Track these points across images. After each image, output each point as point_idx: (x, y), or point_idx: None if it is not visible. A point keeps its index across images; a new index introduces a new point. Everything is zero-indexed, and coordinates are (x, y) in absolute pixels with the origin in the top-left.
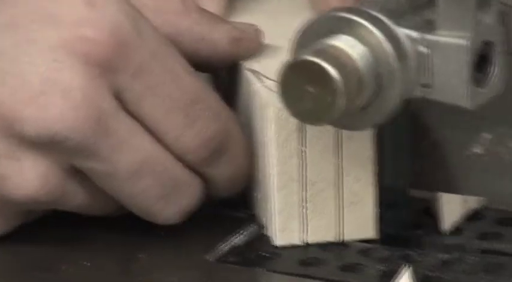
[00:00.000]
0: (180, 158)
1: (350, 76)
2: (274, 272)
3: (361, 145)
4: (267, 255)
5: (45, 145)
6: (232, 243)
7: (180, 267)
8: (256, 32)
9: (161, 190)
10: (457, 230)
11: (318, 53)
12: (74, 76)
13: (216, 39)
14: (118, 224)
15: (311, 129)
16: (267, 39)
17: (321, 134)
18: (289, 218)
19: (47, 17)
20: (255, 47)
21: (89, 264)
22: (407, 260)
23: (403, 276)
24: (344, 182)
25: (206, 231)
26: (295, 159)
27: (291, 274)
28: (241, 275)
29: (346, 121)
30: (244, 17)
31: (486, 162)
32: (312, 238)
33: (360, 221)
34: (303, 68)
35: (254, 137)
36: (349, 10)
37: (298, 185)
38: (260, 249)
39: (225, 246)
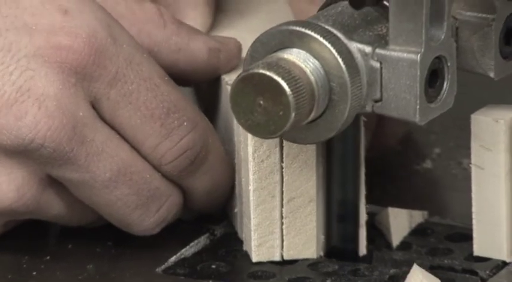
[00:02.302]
0: (158, 168)
1: (301, 90)
2: None
3: None
4: (214, 267)
5: (20, 154)
6: (182, 256)
7: (126, 278)
8: (235, 44)
9: (138, 199)
10: (406, 245)
11: (269, 66)
12: (47, 84)
13: (194, 49)
14: (68, 234)
15: (290, 145)
16: None
17: (300, 151)
18: (267, 234)
19: (22, 25)
20: (234, 58)
21: (34, 273)
22: (356, 275)
23: None
24: (323, 199)
25: (158, 242)
26: (273, 175)
27: None
28: None
29: (296, 134)
30: (228, 32)
31: (436, 176)
32: (289, 254)
33: None
34: (255, 81)
35: (235, 152)
36: (302, 24)
37: (276, 201)
38: (208, 261)
39: (174, 258)
